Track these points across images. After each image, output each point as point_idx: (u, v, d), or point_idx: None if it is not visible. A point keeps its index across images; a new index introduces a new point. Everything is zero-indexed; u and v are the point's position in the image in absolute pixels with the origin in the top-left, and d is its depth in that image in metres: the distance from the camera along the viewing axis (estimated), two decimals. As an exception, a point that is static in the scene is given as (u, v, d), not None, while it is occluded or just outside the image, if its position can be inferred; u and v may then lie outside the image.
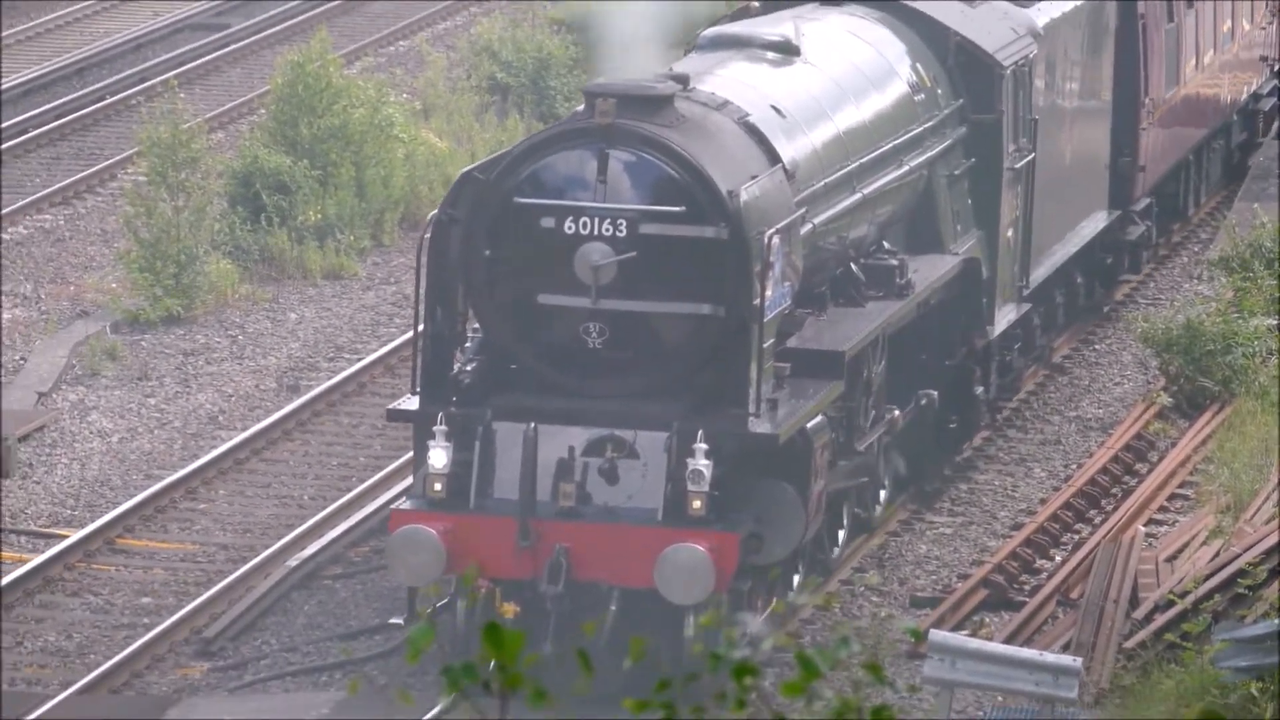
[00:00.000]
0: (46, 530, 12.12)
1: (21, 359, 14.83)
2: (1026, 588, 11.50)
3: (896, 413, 11.49)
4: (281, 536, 11.76)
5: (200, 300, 15.40)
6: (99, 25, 23.22)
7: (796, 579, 10.28)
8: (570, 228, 9.61)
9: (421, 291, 9.63)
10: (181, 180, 15.68)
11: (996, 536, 12.34)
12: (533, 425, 9.32)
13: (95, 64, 21.71)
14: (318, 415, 13.95)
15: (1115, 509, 12.51)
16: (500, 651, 1.41)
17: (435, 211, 9.95)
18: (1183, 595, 10.30)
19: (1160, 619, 10.24)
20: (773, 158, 10.02)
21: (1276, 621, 9.54)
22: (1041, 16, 13.35)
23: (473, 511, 9.30)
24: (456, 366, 9.80)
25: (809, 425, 9.94)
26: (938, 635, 9.78)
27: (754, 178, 9.75)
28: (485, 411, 9.46)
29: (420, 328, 9.68)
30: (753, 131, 9.98)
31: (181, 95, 17.14)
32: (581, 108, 10.28)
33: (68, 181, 18.22)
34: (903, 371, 11.84)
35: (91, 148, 19.46)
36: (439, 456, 9.29)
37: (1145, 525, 12.09)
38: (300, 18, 22.95)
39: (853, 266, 11.16)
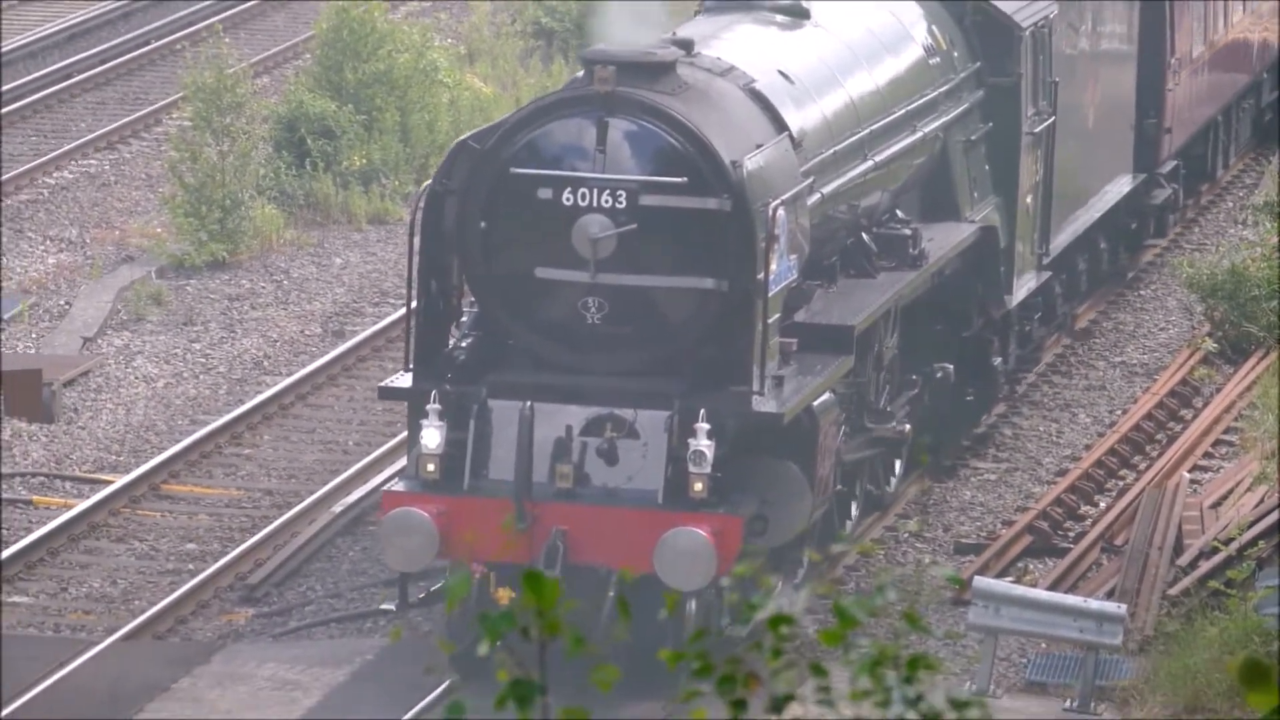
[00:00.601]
0: (91, 476, 12.11)
1: (66, 304, 14.77)
2: (1071, 534, 11.42)
3: (916, 384, 11.12)
4: (326, 482, 11.69)
5: (245, 245, 15.34)
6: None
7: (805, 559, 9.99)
8: (568, 199, 9.22)
9: (414, 265, 9.27)
10: (226, 125, 15.60)
11: (1041, 483, 12.20)
12: (529, 404, 8.97)
13: (140, 9, 21.40)
14: (362, 360, 13.87)
15: (1160, 455, 12.47)
16: (540, 598, 1.43)
17: (429, 182, 9.57)
18: (1227, 542, 10.33)
19: (1205, 566, 10.28)
20: (779, 126, 9.58)
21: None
22: None
23: (467, 493, 9.01)
24: (451, 343, 9.48)
25: (816, 403, 9.53)
26: (981, 582, 9.82)
27: (759, 147, 9.32)
28: (480, 389, 9.14)
29: (413, 304, 9.35)
30: (758, 99, 9.55)
31: (226, 40, 16.87)
32: (581, 74, 9.83)
33: (113, 126, 18.13)
34: (917, 344, 11.38)
35: (136, 92, 19.37)
36: (432, 436, 8.97)
37: (1190, 471, 12.01)
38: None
39: (864, 236, 10.70)
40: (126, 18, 21.32)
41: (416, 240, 9.26)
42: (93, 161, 17.69)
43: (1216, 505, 11.33)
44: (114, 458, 12.36)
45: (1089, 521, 11.62)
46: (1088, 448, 12.67)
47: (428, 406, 9.04)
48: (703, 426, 8.90)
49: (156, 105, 18.67)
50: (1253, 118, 18.43)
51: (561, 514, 8.94)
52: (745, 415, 9.20)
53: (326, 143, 16.22)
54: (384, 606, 9.38)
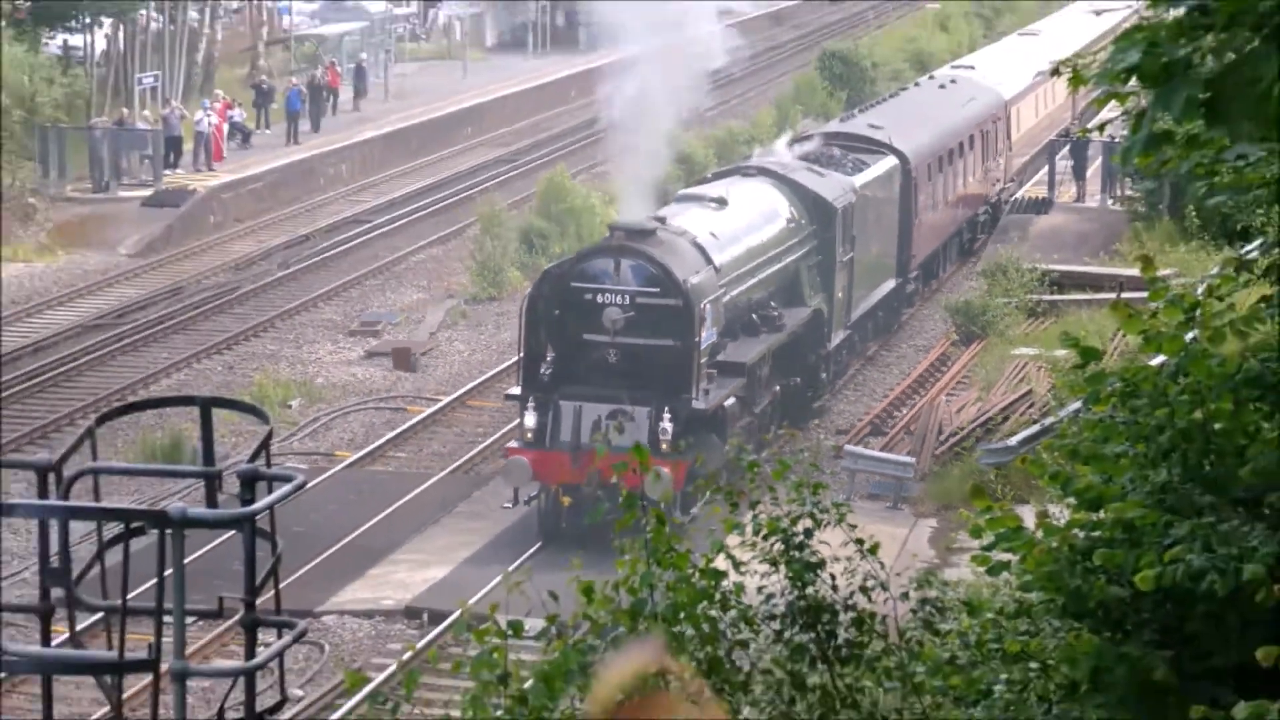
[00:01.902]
0: (433, 397, 22.54)
1: (421, 316, 26.50)
2: (890, 426, 20.75)
3: (777, 389, 19.47)
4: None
5: (505, 289, 26.71)
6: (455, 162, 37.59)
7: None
8: (600, 299, 17.03)
9: (522, 332, 17.25)
10: (496, 231, 27.69)
11: (868, 410, 21.67)
12: (579, 404, 16.92)
13: (453, 180, 35.55)
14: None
15: (930, 389, 21.93)
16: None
17: (530, 290, 17.63)
18: (962, 429, 19.46)
19: (952, 441, 19.38)
20: (708, 260, 17.65)
21: (1006, 442, 17.77)
22: (859, 179, 21.73)
23: (548, 448, 17.00)
24: (540, 371, 17.42)
25: (725, 403, 17.66)
26: (848, 447, 19.11)
27: (697, 272, 17.33)
28: (555, 396, 17.03)
29: (521, 352, 17.36)
30: (698, 246, 17.55)
31: (496, 194, 31.07)
32: (609, 234, 17.88)
33: (444, 233, 30.93)
34: (781, 369, 19.72)
35: (454, 218, 31.98)
36: (530, 418, 16.87)
37: (946, 396, 21.50)
38: (551, 156, 36.12)
39: (754, 315, 18.98)
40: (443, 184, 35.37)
41: (524, 318, 17.25)
42: (436, 250, 30.36)
43: (958, 411, 20.29)
44: (445, 388, 23.01)
45: (898, 420, 20.87)
46: (894, 387, 22.44)
47: (528, 404, 16.99)
48: (667, 414, 16.90)
49: (464, 224, 30.77)
50: (959, 247, 28.83)
51: (595, 459, 17.01)
52: (689, 410, 17.23)
53: (543, 240, 27.56)
54: (504, 506, 17.38)
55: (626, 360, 17.06)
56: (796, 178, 20.28)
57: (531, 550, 16.58)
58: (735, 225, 18.48)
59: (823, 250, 19.87)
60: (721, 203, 18.57)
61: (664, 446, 16.55)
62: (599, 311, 16.90)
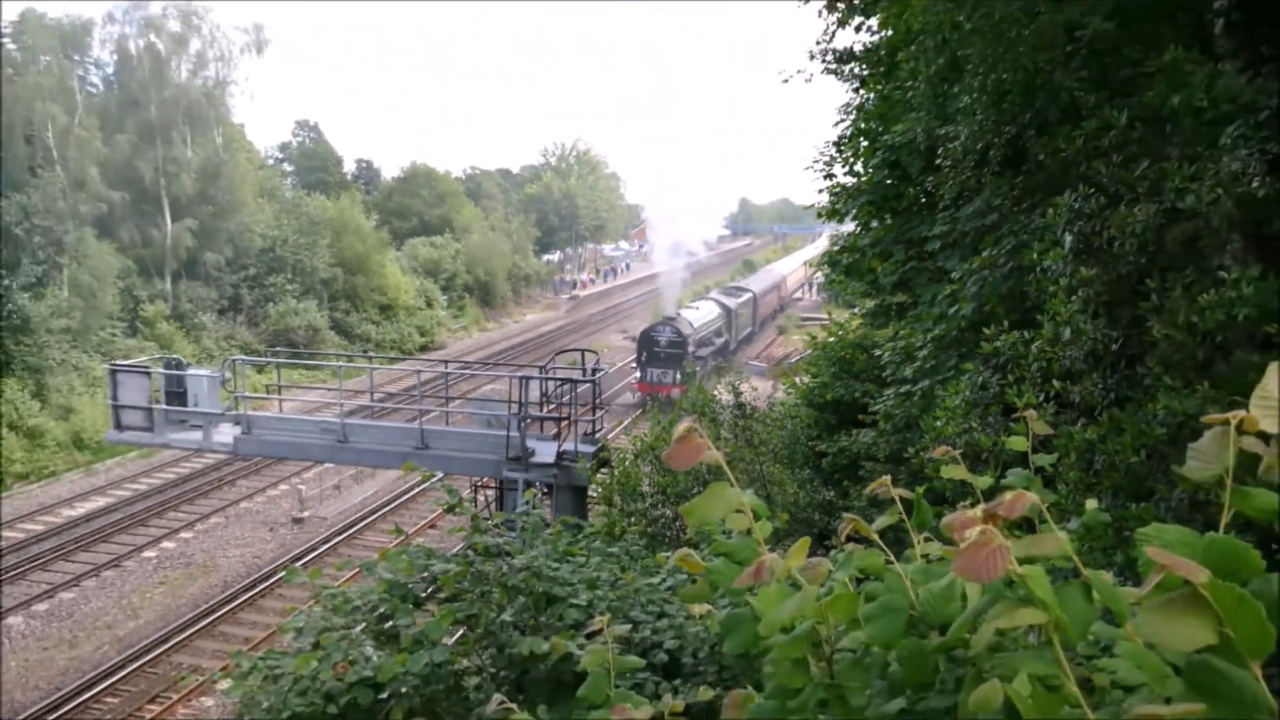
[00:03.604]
0: None
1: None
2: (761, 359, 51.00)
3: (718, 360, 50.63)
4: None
5: None
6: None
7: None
8: (658, 336, 48.42)
9: (637, 349, 48.57)
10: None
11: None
12: (650, 369, 48.16)
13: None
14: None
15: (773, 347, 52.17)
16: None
17: (639, 335, 49.16)
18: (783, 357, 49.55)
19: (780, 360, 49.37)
20: (692, 326, 49.22)
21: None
22: (740, 299, 55.29)
23: (636, 384, 47.97)
24: (642, 360, 48.62)
25: (696, 369, 48.77)
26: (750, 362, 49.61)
27: (690, 328, 48.74)
28: (646, 366, 48.25)
29: (638, 355, 48.59)
30: (688, 322, 49.19)
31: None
32: (661, 319, 49.42)
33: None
34: (716, 353, 50.72)
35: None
36: (638, 374, 48.03)
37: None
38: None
39: (710, 339, 50.31)
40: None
41: (638, 345, 48.61)
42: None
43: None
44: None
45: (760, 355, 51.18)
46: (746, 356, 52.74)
47: (635, 373, 48.11)
48: (677, 374, 48.01)
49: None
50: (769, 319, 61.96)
51: (657, 388, 47.99)
52: (685, 371, 48.33)
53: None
54: (630, 396, 48.04)
55: (665, 357, 48.15)
56: (721, 298, 53.14)
57: (636, 413, 47.29)
58: (703, 315, 49.89)
59: (729, 320, 51.27)
60: (698, 308, 50.13)
61: (676, 381, 47.76)
62: (656, 342, 48.09)
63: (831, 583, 1.61)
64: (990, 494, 1.87)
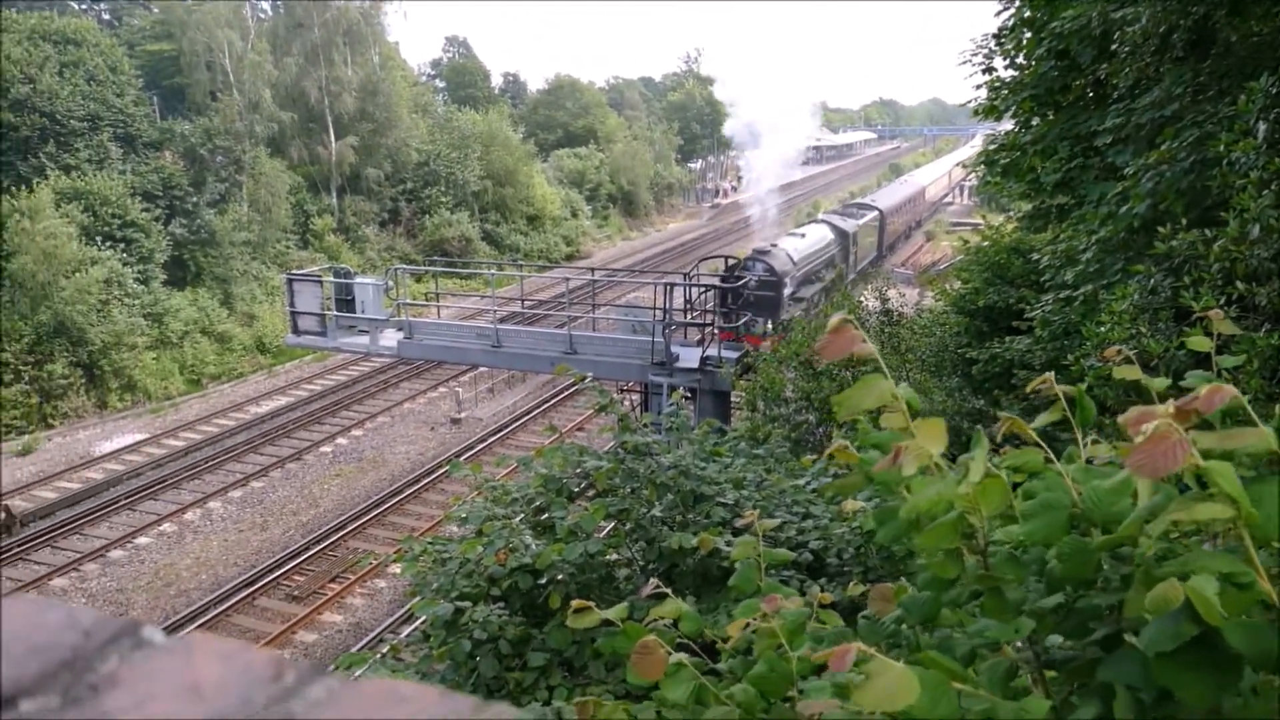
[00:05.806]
0: None
1: None
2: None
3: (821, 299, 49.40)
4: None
5: None
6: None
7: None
8: (750, 269, 47.17)
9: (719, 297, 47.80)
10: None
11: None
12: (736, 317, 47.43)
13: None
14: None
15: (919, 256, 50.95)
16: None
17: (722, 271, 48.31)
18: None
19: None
20: (792, 260, 47.63)
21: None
22: (861, 220, 51.52)
23: (720, 332, 47.36)
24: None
25: (795, 315, 47.65)
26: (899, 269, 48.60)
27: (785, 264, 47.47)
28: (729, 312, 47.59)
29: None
30: (788, 255, 47.67)
31: None
32: (752, 252, 48.12)
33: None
34: (824, 291, 49.33)
35: None
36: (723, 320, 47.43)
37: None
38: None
39: (813, 276, 48.95)
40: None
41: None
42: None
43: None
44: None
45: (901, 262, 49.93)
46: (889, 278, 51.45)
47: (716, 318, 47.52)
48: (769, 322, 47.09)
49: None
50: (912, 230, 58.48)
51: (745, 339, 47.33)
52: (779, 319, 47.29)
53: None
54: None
55: (754, 300, 47.04)
56: (833, 220, 49.75)
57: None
58: (809, 243, 48.08)
59: (846, 248, 49.23)
60: (803, 235, 48.42)
61: (767, 332, 46.70)
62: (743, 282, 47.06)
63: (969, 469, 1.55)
64: (1164, 399, 1.77)
